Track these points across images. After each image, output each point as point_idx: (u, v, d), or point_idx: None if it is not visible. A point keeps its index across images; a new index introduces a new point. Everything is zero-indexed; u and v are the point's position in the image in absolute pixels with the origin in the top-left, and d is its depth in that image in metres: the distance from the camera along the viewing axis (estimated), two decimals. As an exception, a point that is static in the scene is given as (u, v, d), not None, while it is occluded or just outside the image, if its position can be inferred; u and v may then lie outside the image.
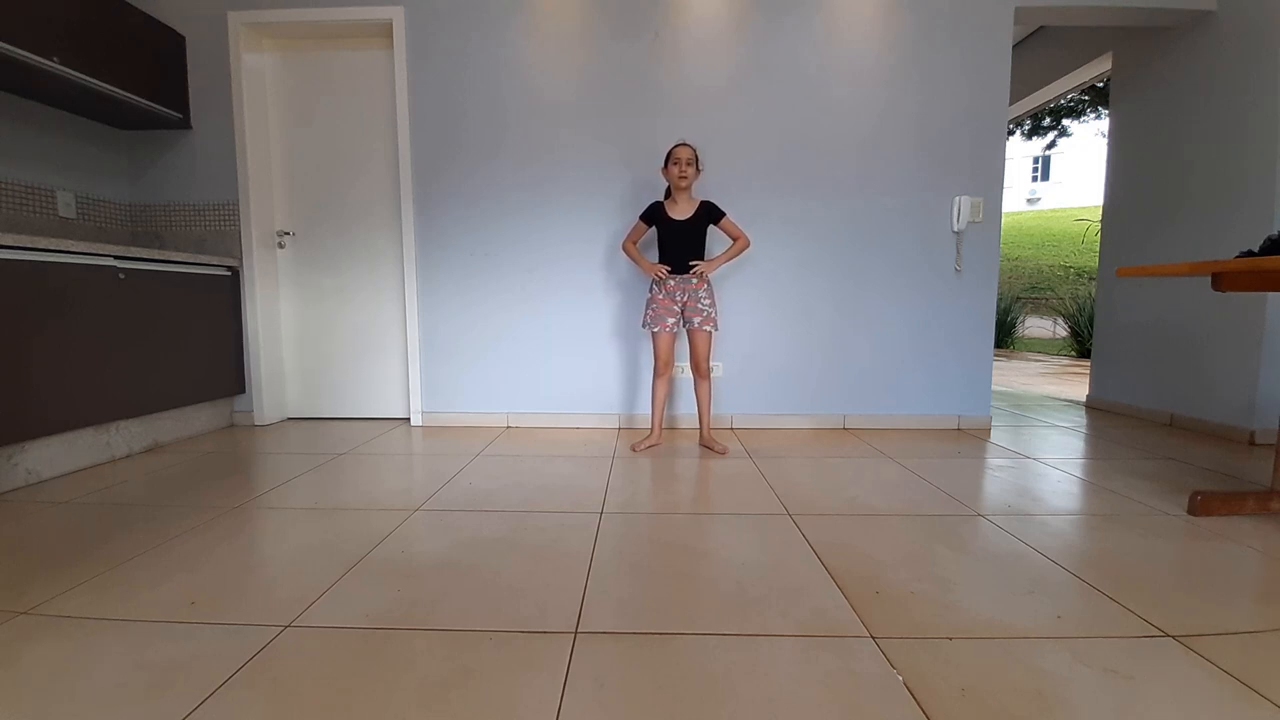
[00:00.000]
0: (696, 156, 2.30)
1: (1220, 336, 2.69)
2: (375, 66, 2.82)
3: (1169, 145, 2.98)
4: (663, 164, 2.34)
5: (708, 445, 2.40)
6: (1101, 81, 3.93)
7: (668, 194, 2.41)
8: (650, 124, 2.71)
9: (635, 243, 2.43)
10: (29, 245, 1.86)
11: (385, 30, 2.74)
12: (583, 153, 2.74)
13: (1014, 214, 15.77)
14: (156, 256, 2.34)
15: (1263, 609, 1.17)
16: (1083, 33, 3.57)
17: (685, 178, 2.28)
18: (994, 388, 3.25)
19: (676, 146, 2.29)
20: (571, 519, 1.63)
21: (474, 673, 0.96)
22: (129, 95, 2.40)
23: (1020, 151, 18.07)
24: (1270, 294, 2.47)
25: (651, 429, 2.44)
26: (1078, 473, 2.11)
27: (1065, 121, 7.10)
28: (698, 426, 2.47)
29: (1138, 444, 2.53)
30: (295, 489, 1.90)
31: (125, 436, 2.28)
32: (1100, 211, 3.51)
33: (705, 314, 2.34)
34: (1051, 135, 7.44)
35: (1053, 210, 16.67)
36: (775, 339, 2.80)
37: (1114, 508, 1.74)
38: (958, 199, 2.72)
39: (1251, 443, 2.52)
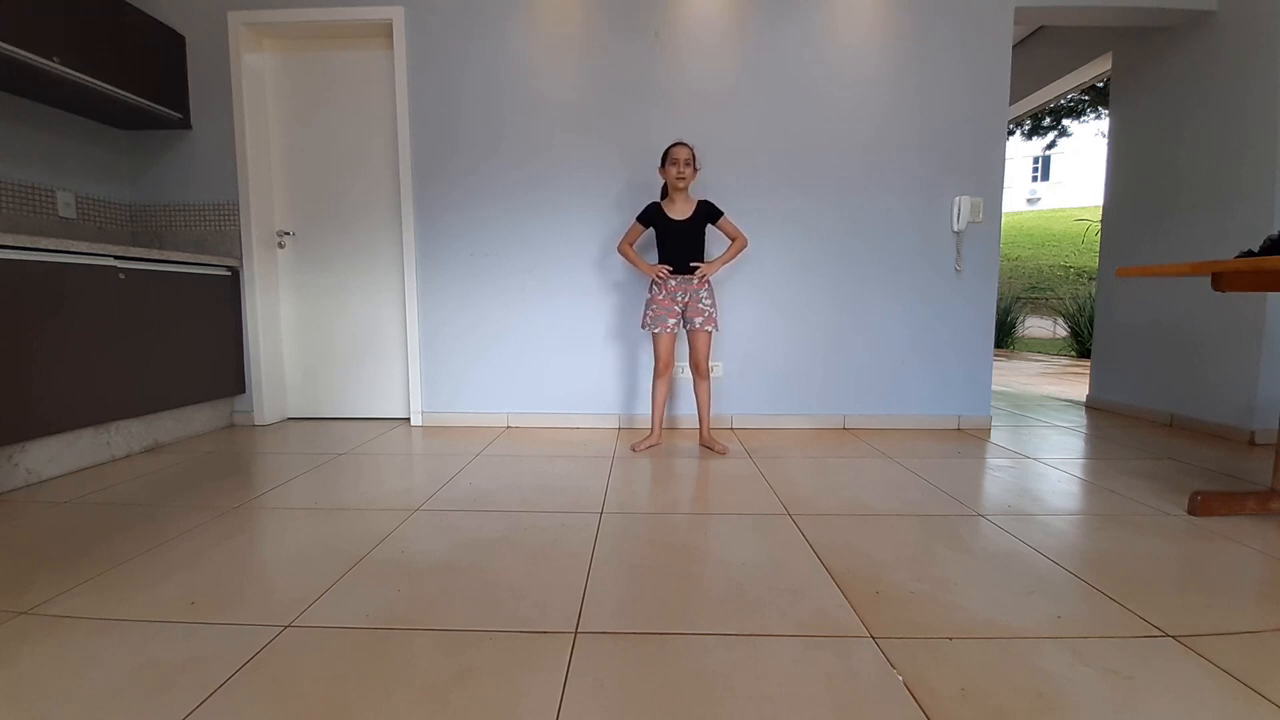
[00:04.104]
0: (694, 156, 2.30)
1: (1220, 336, 2.69)
2: (375, 66, 2.82)
3: (1169, 145, 2.98)
4: (660, 164, 2.34)
5: (708, 445, 2.40)
6: (1101, 81, 3.93)
7: (664, 194, 2.41)
8: (650, 123, 2.71)
9: (632, 244, 2.42)
10: (29, 245, 1.86)
11: (385, 30, 2.74)
12: (583, 152, 2.74)
13: (1014, 214, 15.77)
14: (156, 256, 2.34)
15: (1263, 609, 1.17)
16: (1083, 33, 3.57)
17: (683, 178, 2.27)
18: (994, 388, 3.24)
19: (674, 146, 2.28)
20: (571, 519, 1.63)
21: (474, 673, 0.96)
22: (129, 95, 2.40)
23: (1020, 151, 18.07)
24: (1270, 294, 2.47)
25: (651, 429, 2.44)
26: (1078, 473, 2.11)
27: (1065, 121, 7.10)
28: (697, 426, 2.47)
29: (1138, 444, 2.53)
30: (295, 489, 1.90)
31: (125, 436, 2.28)
32: (1100, 211, 3.51)
33: (707, 314, 2.34)
34: (1051, 135, 7.44)
35: (1053, 210, 16.66)
36: (775, 339, 2.80)
37: (1114, 508, 1.74)
38: (958, 199, 2.72)
39: (1251, 443, 2.52)
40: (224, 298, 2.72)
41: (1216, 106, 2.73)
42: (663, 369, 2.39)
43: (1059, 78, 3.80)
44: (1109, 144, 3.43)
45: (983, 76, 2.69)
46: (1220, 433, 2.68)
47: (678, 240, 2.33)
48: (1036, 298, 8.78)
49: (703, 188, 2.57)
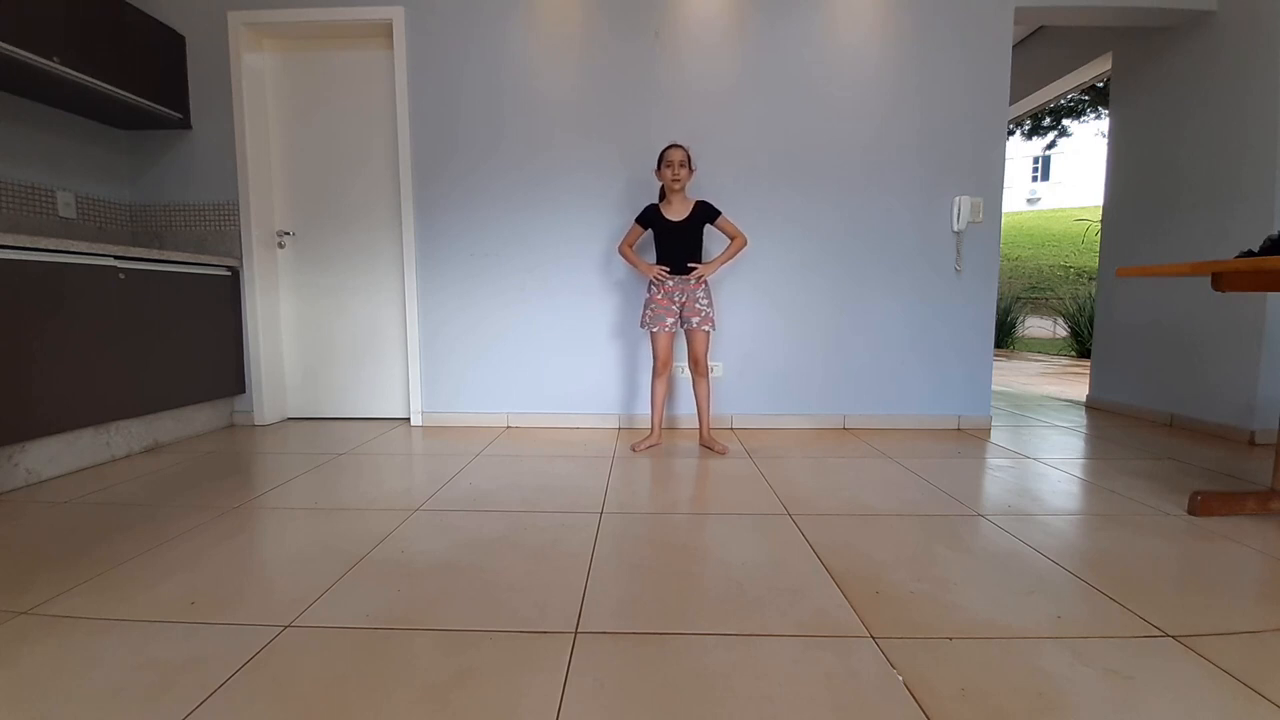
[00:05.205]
0: (689, 157, 2.30)
1: (1220, 336, 2.69)
2: (375, 66, 2.82)
3: (1169, 145, 2.98)
4: (656, 166, 2.35)
5: (707, 445, 2.40)
6: (1101, 81, 3.93)
7: (662, 195, 2.41)
8: (650, 123, 2.71)
9: (631, 246, 2.43)
10: (29, 245, 1.86)
11: (385, 30, 2.74)
12: (583, 152, 2.74)
13: (1014, 214, 15.76)
14: (156, 256, 2.34)
15: (1263, 609, 1.17)
16: (1083, 33, 3.57)
17: (679, 180, 2.28)
18: (994, 388, 3.24)
19: (668, 148, 2.29)
20: (571, 519, 1.63)
21: (474, 673, 0.96)
22: (129, 95, 2.40)
23: (1020, 151, 18.07)
24: (1270, 294, 2.47)
25: (651, 429, 2.44)
26: (1078, 473, 2.11)
27: (1065, 121, 7.10)
28: (697, 426, 2.47)
29: (1138, 444, 2.53)
30: (295, 489, 1.90)
31: (125, 436, 2.28)
32: (1100, 211, 3.51)
33: (704, 314, 2.34)
34: (1051, 135, 7.44)
35: (1053, 210, 16.65)
36: (775, 339, 2.80)
37: (1114, 508, 1.74)
38: (958, 199, 2.72)
39: (1251, 443, 2.52)
40: (224, 298, 2.72)
41: (1216, 106, 2.73)
42: (661, 368, 2.40)
43: (1059, 78, 3.80)
44: (1109, 144, 3.43)
45: (983, 76, 2.69)
46: (1220, 433, 2.68)
47: (674, 241, 2.34)
48: (1036, 298, 8.78)
49: (703, 188, 2.57)
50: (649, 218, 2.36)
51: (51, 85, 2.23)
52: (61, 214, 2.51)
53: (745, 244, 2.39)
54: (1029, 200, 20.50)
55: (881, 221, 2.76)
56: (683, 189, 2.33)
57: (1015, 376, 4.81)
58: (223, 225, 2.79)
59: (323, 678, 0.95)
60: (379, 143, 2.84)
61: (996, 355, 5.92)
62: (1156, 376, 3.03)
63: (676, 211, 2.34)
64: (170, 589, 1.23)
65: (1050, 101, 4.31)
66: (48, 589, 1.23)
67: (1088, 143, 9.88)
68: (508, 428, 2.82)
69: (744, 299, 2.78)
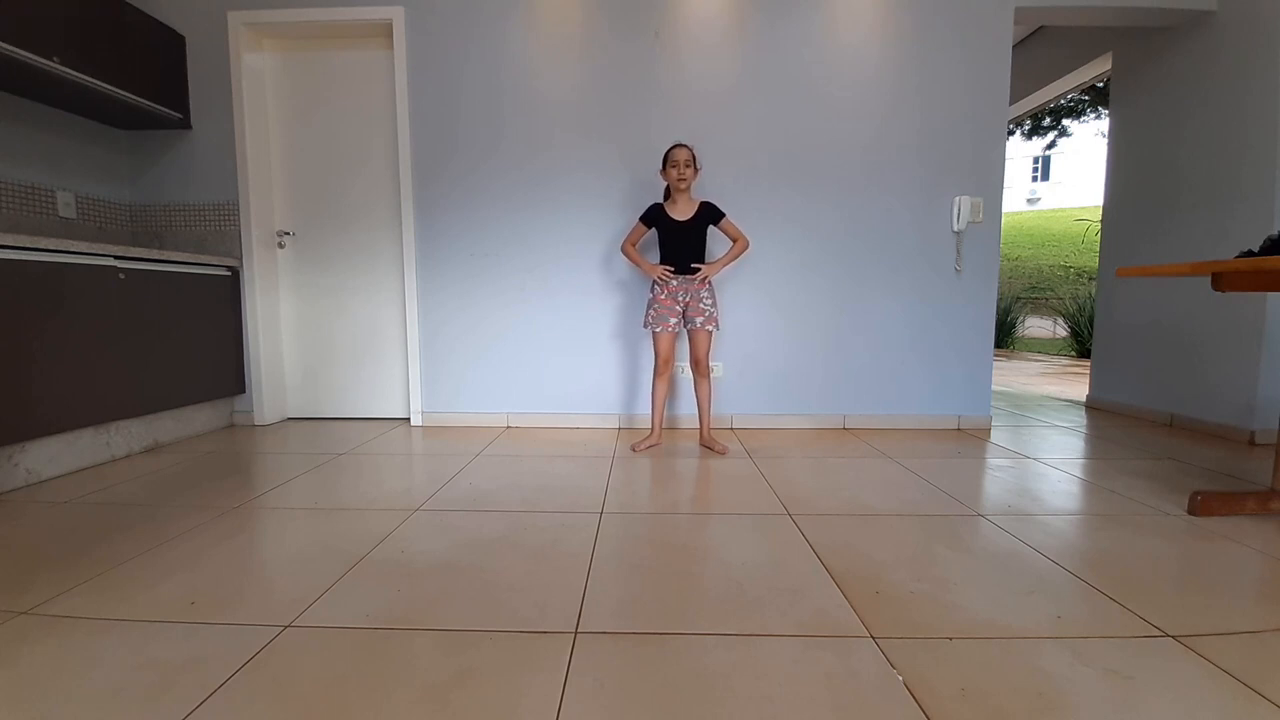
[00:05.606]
0: (694, 156, 2.30)
1: (1220, 336, 2.69)
2: (375, 66, 2.82)
3: (1169, 145, 2.98)
4: (661, 166, 2.35)
5: (708, 445, 2.40)
6: (1101, 81, 3.93)
7: (667, 195, 2.41)
8: (651, 123, 2.71)
9: (635, 244, 2.43)
10: (29, 245, 1.86)
11: (385, 30, 2.74)
12: (583, 152, 2.74)
13: (1014, 214, 15.76)
14: (156, 256, 2.34)
15: (1263, 609, 1.17)
16: (1083, 33, 3.57)
17: (684, 179, 2.28)
18: (994, 388, 3.24)
19: (674, 148, 2.29)
20: (571, 519, 1.63)
21: (474, 673, 0.96)
22: (129, 95, 2.40)
23: (1020, 151, 18.07)
24: (1270, 294, 2.47)
25: (651, 429, 2.44)
26: (1078, 473, 2.11)
27: (1065, 121, 7.10)
28: (698, 426, 2.47)
29: (1138, 444, 2.53)
30: (295, 489, 1.90)
31: (125, 436, 2.28)
32: (1100, 211, 3.51)
33: (708, 314, 2.35)
34: (1051, 135, 7.44)
35: (1053, 210, 16.66)
36: (776, 339, 2.80)
37: (1114, 508, 1.74)
38: (958, 199, 2.72)
39: (1251, 443, 2.52)
40: (224, 298, 2.72)
41: (1216, 106, 2.73)
42: (662, 367, 2.39)
43: (1059, 78, 3.80)
44: (1109, 144, 3.43)
45: (983, 76, 2.69)
46: (1220, 433, 2.68)
47: (679, 241, 2.34)
48: (1036, 298, 8.78)
49: (703, 188, 2.57)
50: (654, 217, 2.36)
51: (51, 85, 2.23)
52: (61, 214, 2.51)
53: (748, 247, 2.40)
54: (1029, 200, 20.50)
55: (881, 221, 2.76)
56: (688, 189, 2.33)
57: (1015, 376, 4.81)
58: (223, 225, 2.79)
59: (323, 678, 0.95)
60: (379, 143, 2.84)
61: (996, 355, 5.92)
62: (1156, 376, 3.03)
63: (682, 211, 2.34)
64: (170, 589, 1.23)
65: (1050, 101, 4.31)
66: (48, 589, 1.23)
67: (1088, 143, 9.89)
68: (508, 428, 2.82)
69: (744, 299, 2.78)
